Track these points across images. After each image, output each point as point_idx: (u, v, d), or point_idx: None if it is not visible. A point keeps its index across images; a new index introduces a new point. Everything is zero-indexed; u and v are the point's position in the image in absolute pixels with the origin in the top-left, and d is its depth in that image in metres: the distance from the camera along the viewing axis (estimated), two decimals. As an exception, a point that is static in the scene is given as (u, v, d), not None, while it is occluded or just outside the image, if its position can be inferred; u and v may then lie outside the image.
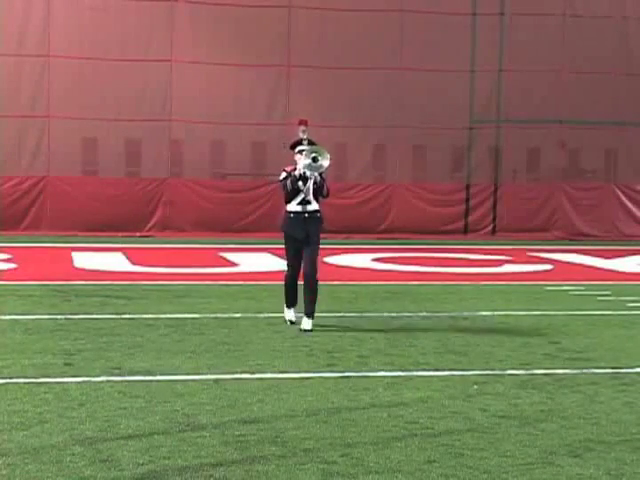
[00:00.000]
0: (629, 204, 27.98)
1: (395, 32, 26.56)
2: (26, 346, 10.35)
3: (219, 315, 12.75)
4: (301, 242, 11.95)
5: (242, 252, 21.30)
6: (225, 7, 25.63)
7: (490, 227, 27.43)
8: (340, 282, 16.38)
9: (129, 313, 12.73)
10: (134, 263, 18.93)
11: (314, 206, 12.10)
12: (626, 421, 7.85)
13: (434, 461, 6.64)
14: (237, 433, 7.22)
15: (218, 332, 11.49)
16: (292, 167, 12.14)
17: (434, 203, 27.06)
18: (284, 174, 12.14)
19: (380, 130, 26.53)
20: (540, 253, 22.80)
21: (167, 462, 6.50)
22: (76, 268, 18.01)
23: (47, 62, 24.98)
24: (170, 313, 12.81)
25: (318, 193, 12.11)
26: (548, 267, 20.03)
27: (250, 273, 17.65)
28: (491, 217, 27.45)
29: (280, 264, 19.09)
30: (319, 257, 12.13)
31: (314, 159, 11.88)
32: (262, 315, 12.79)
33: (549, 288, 16.44)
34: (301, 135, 12.38)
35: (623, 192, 28.01)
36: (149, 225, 25.52)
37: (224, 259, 20.02)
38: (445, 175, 27.59)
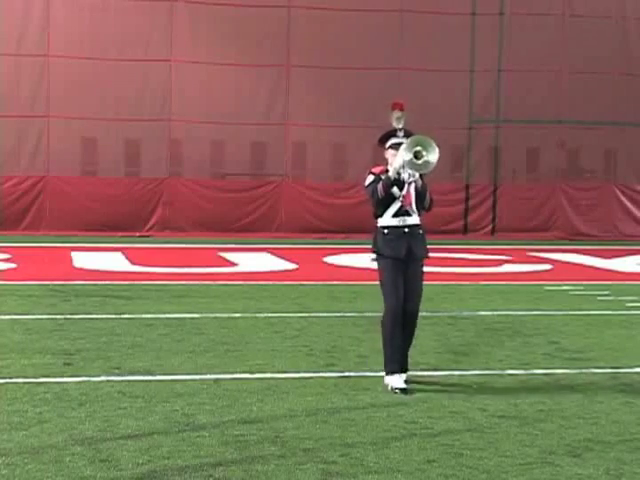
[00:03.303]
0: (629, 204, 27.97)
1: (395, 32, 26.55)
2: (25, 346, 10.34)
3: (218, 315, 12.74)
4: (405, 262, 9.00)
5: (241, 252, 21.26)
6: (224, 7, 25.63)
7: (489, 227, 27.42)
8: (340, 282, 16.33)
9: (128, 313, 12.72)
10: (133, 263, 18.92)
11: (416, 219, 9.04)
12: (625, 421, 7.85)
13: (433, 461, 6.64)
14: (236, 433, 7.22)
15: (218, 332, 11.48)
16: (381, 168, 9.11)
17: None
18: (371, 177, 8.99)
19: (380, 130, 26.22)
20: (539, 253, 22.78)
21: (167, 462, 6.49)
22: (75, 268, 18.00)
23: (46, 62, 24.97)
24: (169, 313, 12.80)
25: (419, 202, 8.99)
26: (548, 267, 20.01)
27: (249, 273, 17.61)
28: (490, 217, 27.44)
29: (279, 263, 19.08)
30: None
31: (416, 155, 8.60)
32: (261, 315, 12.78)
33: (549, 288, 16.43)
34: (395, 124, 9.24)
35: (623, 192, 27.99)
36: (148, 225, 25.51)
37: (223, 259, 20.00)
38: (444, 175, 27.52)
